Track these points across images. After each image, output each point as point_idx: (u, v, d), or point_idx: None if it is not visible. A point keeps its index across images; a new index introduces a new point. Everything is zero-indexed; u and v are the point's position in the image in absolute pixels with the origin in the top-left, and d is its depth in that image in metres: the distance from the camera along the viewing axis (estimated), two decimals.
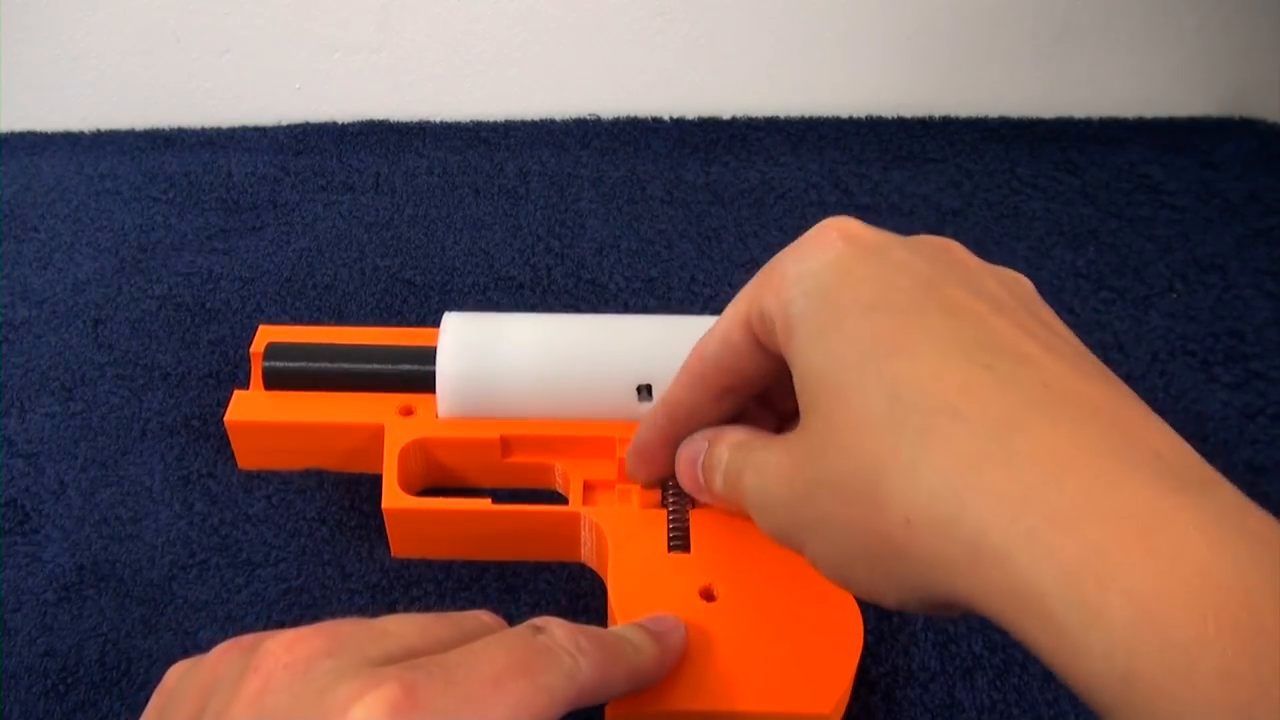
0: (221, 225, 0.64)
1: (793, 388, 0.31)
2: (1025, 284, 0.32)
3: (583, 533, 0.44)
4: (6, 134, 0.71)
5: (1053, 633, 0.23)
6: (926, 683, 0.41)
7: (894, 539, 0.27)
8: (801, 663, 0.38)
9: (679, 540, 0.42)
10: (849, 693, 0.39)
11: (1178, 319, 0.58)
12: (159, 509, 0.47)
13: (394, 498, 0.44)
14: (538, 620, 0.32)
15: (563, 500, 0.46)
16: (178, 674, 0.31)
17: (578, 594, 0.44)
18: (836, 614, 0.39)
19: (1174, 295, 0.59)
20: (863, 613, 0.39)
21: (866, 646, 0.42)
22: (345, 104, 0.72)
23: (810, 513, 0.30)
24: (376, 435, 0.47)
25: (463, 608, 0.43)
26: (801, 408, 0.31)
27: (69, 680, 0.41)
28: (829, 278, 0.30)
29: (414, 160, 0.69)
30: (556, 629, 0.31)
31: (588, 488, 0.46)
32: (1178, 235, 0.63)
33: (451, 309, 0.53)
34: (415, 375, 0.48)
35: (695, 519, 0.42)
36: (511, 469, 0.47)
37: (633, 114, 0.73)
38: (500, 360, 0.46)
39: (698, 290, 0.59)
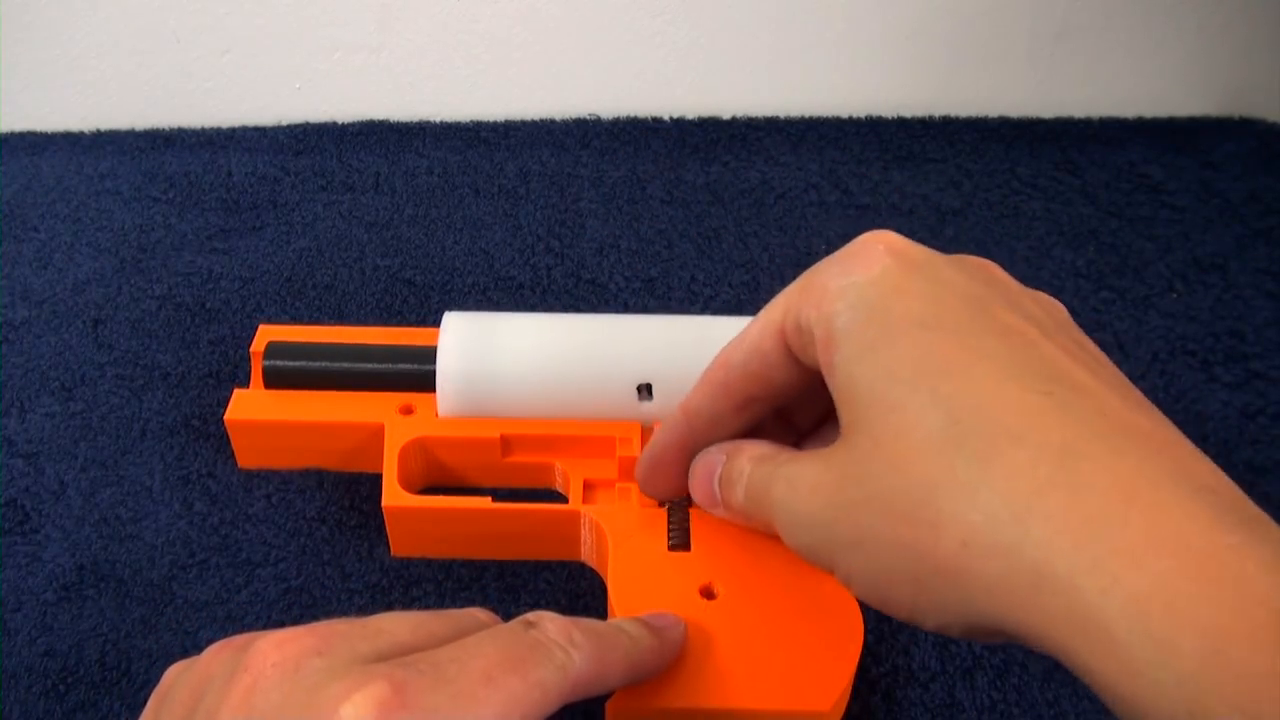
0: (221, 225, 0.64)
1: (816, 402, 0.31)
2: (1060, 308, 0.33)
3: (583, 531, 0.44)
4: (6, 134, 0.71)
5: (1117, 663, 0.24)
6: (927, 682, 0.41)
7: (947, 561, 0.27)
8: (801, 661, 0.38)
9: (679, 539, 0.42)
10: (849, 691, 0.39)
11: (1178, 319, 0.58)
12: (159, 509, 0.47)
13: (394, 496, 0.44)
14: (530, 615, 0.32)
15: (562, 499, 0.46)
16: (174, 674, 0.31)
17: (577, 593, 0.44)
18: (836, 612, 0.39)
19: (1174, 295, 0.59)
20: (863, 612, 0.39)
21: (867, 646, 0.42)
22: (345, 104, 0.72)
23: (849, 531, 0.30)
24: (377, 434, 0.47)
25: (462, 607, 0.43)
26: (844, 423, 0.30)
27: (69, 680, 0.41)
28: (876, 292, 0.30)
29: (414, 160, 0.69)
30: (549, 623, 0.31)
31: (588, 487, 0.46)
32: (1178, 235, 0.64)
33: (451, 309, 0.53)
34: (415, 374, 0.48)
35: (695, 517, 0.42)
36: (511, 468, 0.47)
37: (633, 114, 0.73)
38: (500, 359, 0.46)
39: (698, 290, 0.59)
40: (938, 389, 0.27)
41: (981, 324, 0.29)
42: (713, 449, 0.37)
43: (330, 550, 0.46)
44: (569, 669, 0.30)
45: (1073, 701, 0.41)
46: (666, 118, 0.73)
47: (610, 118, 0.73)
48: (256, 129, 0.71)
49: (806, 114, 0.73)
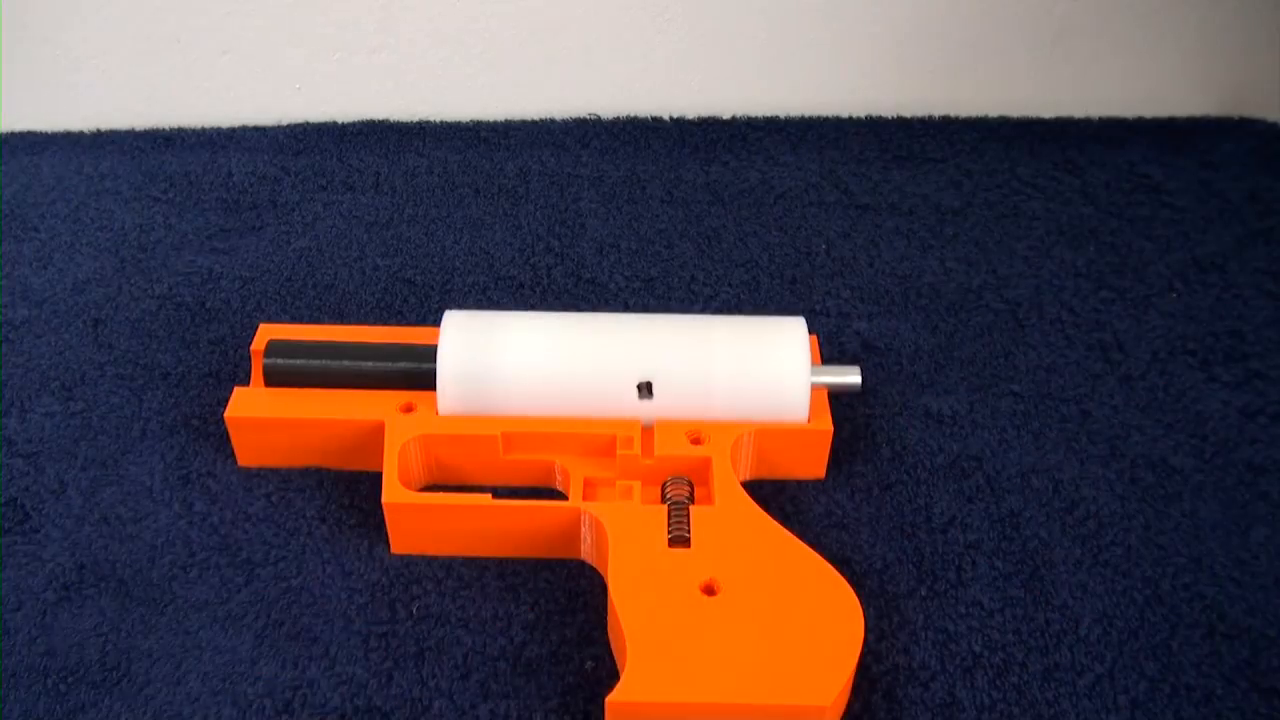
0: (221, 225, 0.64)
1: None
2: None
3: (583, 529, 0.44)
4: (6, 134, 0.71)
5: None
6: (927, 681, 0.41)
7: None
8: (802, 656, 0.38)
9: (679, 536, 0.42)
10: (850, 687, 0.39)
11: (1178, 319, 0.58)
12: (159, 508, 0.47)
13: (394, 493, 0.44)
14: None
15: (563, 497, 0.46)
16: None
17: (577, 592, 0.44)
18: (837, 608, 0.39)
19: (1174, 295, 0.59)
20: (863, 609, 0.39)
21: (867, 645, 0.42)
22: (345, 104, 0.72)
23: None
24: (377, 432, 0.47)
25: (462, 606, 0.44)
26: None
27: (69, 680, 0.41)
28: None
29: (414, 160, 0.69)
30: None
31: (588, 484, 0.46)
32: (1177, 235, 0.64)
33: (452, 308, 0.53)
34: (416, 373, 0.48)
35: (695, 515, 0.42)
36: (512, 466, 0.47)
37: (633, 114, 0.73)
38: (501, 358, 0.46)
39: (698, 290, 0.59)
40: None
41: None
42: None
43: (330, 549, 0.46)
44: None
45: (1073, 701, 0.41)
46: (666, 118, 0.73)
47: (610, 118, 0.73)
48: (256, 129, 0.71)
49: (806, 114, 0.73)
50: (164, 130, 0.72)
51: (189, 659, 0.42)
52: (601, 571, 0.44)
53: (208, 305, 0.58)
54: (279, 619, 0.43)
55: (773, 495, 0.48)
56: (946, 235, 0.63)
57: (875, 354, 0.55)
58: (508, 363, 0.46)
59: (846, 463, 0.49)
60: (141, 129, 0.72)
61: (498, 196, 0.66)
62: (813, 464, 0.48)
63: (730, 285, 0.59)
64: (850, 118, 0.73)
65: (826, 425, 0.47)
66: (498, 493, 0.45)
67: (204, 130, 0.72)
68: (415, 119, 0.72)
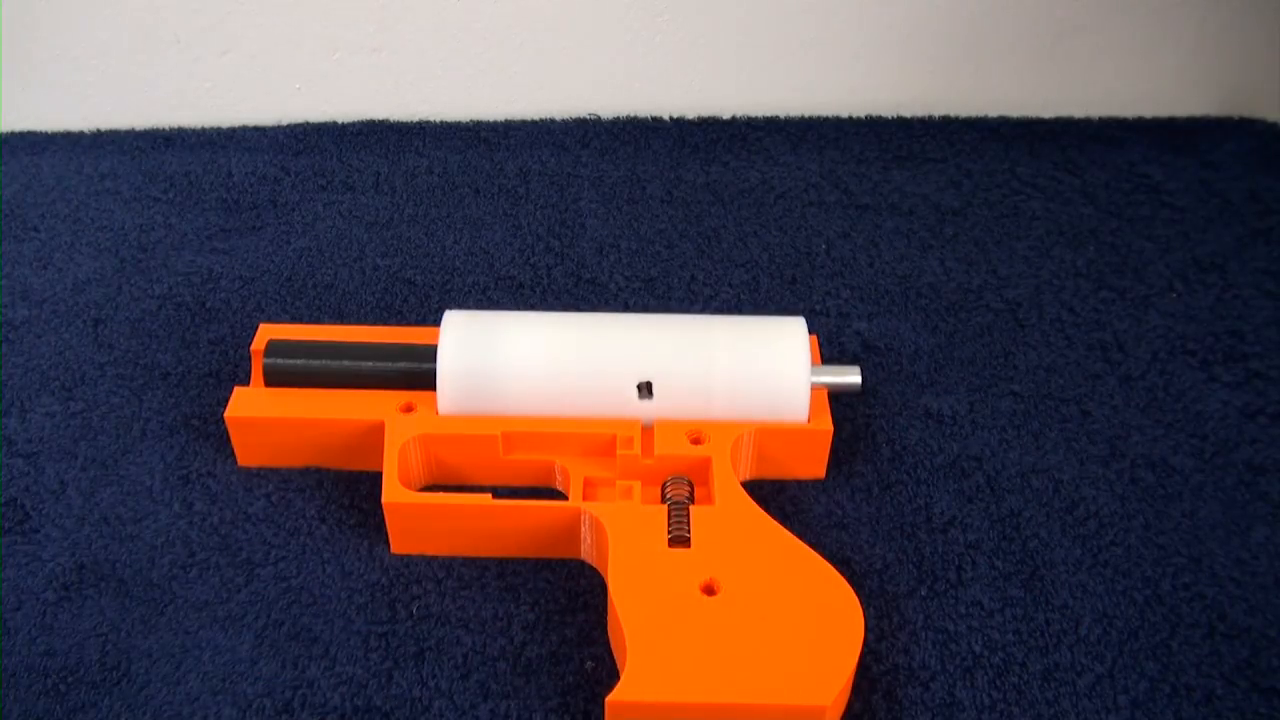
0: (221, 225, 0.64)
1: None
2: None
3: (583, 529, 0.44)
4: (6, 134, 0.71)
5: None
6: (927, 681, 0.41)
7: None
8: (802, 656, 0.38)
9: (679, 536, 0.42)
10: (850, 687, 0.39)
11: (1178, 319, 0.58)
12: (159, 509, 0.47)
13: (394, 492, 0.44)
14: None
15: (563, 497, 0.46)
16: None
17: (577, 591, 0.44)
18: (837, 608, 0.39)
19: (1174, 295, 0.59)
20: (863, 609, 0.39)
21: (867, 645, 0.42)
22: (345, 104, 0.72)
23: None
24: (377, 431, 0.47)
25: (462, 606, 0.44)
26: None
27: (69, 680, 0.41)
28: None
29: (414, 160, 0.69)
30: None
31: (588, 484, 0.46)
32: (1177, 235, 0.64)
33: (452, 308, 0.53)
34: (416, 372, 0.48)
35: (695, 515, 0.42)
36: (512, 466, 0.47)
37: (633, 114, 0.73)
38: (501, 357, 0.46)
39: (698, 290, 0.59)
40: None
41: None
42: None
43: (330, 549, 0.46)
44: None
45: (1073, 701, 0.41)
46: (666, 118, 0.73)
47: (610, 118, 0.73)
48: (256, 129, 0.71)
49: (806, 114, 0.73)
50: (164, 130, 0.72)
51: (189, 659, 0.42)
52: (601, 571, 0.44)
53: (208, 305, 0.58)
54: (279, 619, 0.43)
55: (773, 495, 0.48)
56: (946, 235, 0.63)
57: (875, 354, 0.55)
58: (508, 363, 0.46)
59: (846, 463, 0.49)
60: (141, 129, 0.72)
61: (498, 196, 0.66)
62: (813, 464, 0.48)
63: (730, 285, 0.59)
64: (850, 118, 0.73)
65: (826, 425, 0.47)
66: (498, 493, 0.45)
67: (204, 130, 0.72)
68: (415, 119, 0.72)
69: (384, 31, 0.69)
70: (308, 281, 0.60)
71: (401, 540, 0.45)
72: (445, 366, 0.46)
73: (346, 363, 0.48)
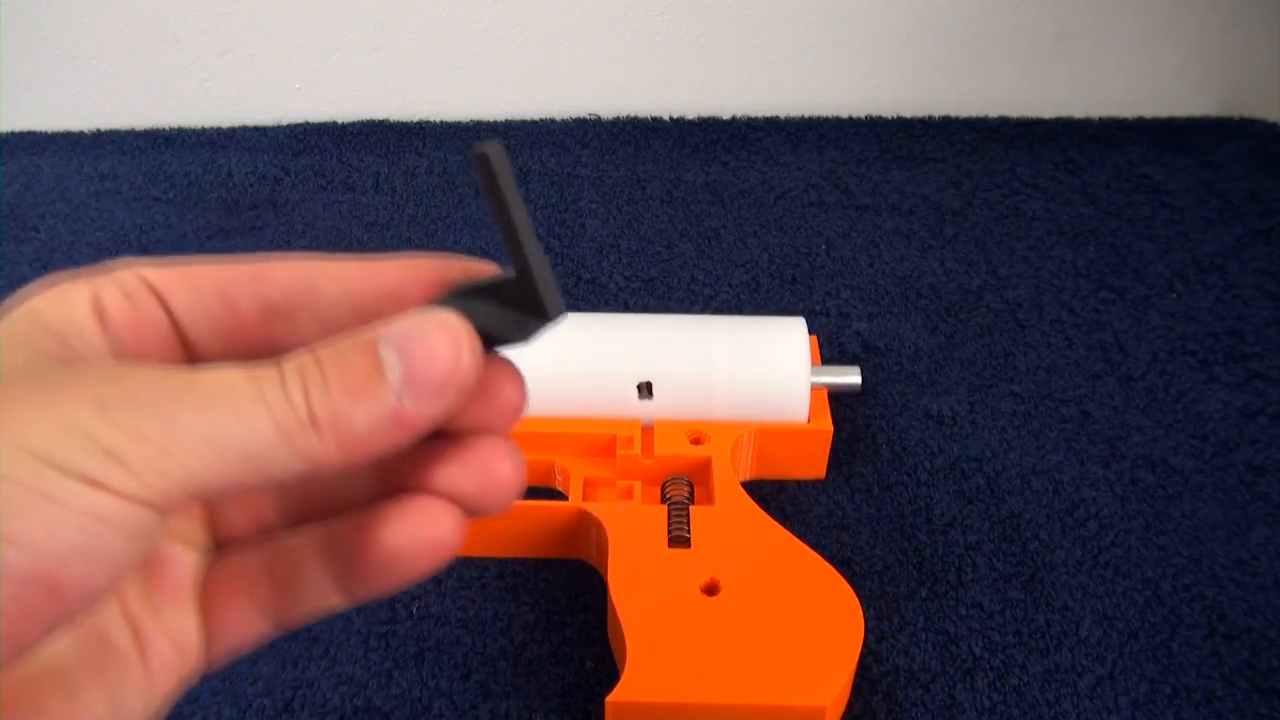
0: (221, 225, 0.64)
1: None
2: None
3: (583, 529, 0.44)
4: (6, 134, 0.71)
5: None
6: (927, 683, 0.41)
7: None
8: (801, 656, 0.38)
9: (679, 536, 0.42)
10: (849, 687, 0.39)
11: (1178, 319, 0.58)
12: None
13: None
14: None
15: (563, 497, 0.46)
16: None
17: (577, 592, 0.44)
18: (837, 609, 0.39)
19: (1174, 295, 0.59)
20: (863, 609, 0.39)
21: (868, 646, 0.42)
22: (345, 104, 0.72)
23: None
24: None
25: (462, 606, 0.43)
26: None
27: None
28: None
29: (414, 160, 0.69)
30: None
31: (588, 484, 0.46)
32: (1177, 235, 0.63)
33: None
34: None
35: (695, 515, 0.42)
36: None
37: (633, 114, 0.73)
38: None
39: (698, 290, 0.59)
40: None
41: None
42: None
43: None
44: None
45: (1073, 702, 0.41)
46: (666, 118, 0.73)
47: (610, 118, 0.72)
48: (256, 129, 0.71)
49: (806, 114, 0.73)
50: (164, 130, 0.72)
51: None
52: (601, 571, 0.44)
53: None
54: None
55: (773, 495, 0.48)
56: (946, 235, 0.63)
57: (875, 354, 0.55)
58: None
59: (846, 463, 0.49)
60: (141, 129, 0.72)
61: None
62: (813, 464, 0.48)
63: (730, 285, 0.59)
64: (850, 118, 0.73)
65: (826, 425, 0.47)
66: None
67: (204, 130, 0.71)
68: (415, 119, 0.72)
69: (384, 31, 0.69)
70: None
71: None
72: None
73: None
